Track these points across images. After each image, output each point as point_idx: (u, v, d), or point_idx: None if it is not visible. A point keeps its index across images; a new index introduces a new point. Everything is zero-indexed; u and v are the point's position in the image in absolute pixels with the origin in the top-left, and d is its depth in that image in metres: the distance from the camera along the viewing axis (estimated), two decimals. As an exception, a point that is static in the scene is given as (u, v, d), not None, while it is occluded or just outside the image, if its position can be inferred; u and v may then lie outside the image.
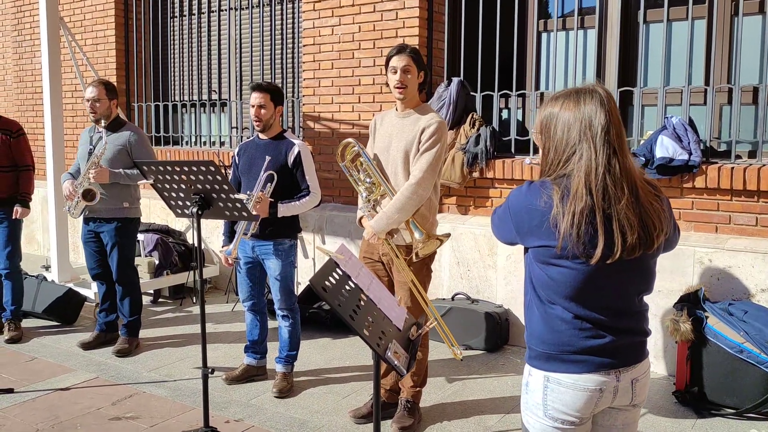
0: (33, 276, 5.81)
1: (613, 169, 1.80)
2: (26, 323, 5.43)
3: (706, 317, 3.88)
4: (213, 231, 6.66)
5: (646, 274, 1.92)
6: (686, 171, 4.32)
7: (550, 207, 1.80)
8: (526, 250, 1.97)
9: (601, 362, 1.88)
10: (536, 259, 1.89)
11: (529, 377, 1.97)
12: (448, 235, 3.54)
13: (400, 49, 3.52)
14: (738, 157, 4.44)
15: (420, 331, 2.27)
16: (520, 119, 5.33)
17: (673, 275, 4.28)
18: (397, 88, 3.52)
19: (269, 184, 3.96)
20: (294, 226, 4.18)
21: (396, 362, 2.02)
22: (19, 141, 5.15)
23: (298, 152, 4.06)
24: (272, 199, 3.96)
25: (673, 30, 4.73)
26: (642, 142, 4.57)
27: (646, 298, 1.98)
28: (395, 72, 3.51)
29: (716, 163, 4.37)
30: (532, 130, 2.01)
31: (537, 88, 5.26)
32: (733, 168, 4.23)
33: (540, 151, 1.96)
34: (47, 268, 6.52)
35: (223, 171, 3.25)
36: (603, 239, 1.77)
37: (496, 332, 4.86)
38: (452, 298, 5.11)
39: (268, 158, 3.97)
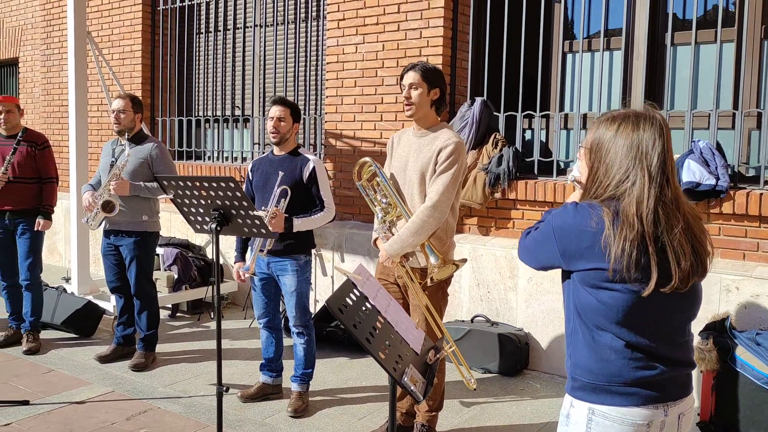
0: (53, 288, 5.84)
1: (665, 198, 1.76)
2: (45, 335, 5.45)
3: (733, 347, 3.77)
4: (232, 246, 6.62)
5: (697, 298, 1.87)
6: (713, 196, 4.24)
7: (602, 228, 1.75)
8: (565, 276, 1.90)
9: (650, 395, 1.80)
10: (584, 283, 1.82)
11: (570, 409, 1.89)
12: (464, 261, 3.48)
13: (411, 67, 3.52)
14: (767, 182, 4.34)
15: (438, 356, 2.22)
16: (544, 140, 5.28)
17: (699, 302, 4.17)
18: (404, 104, 3.51)
19: (283, 199, 3.95)
20: (309, 242, 4.16)
21: (412, 387, 1.97)
22: (44, 153, 5.20)
23: (313, 168, 4.05)
24: (287, 215, 3.94)
25: (701, 53, 4.66)
26: (668, 165, 4.49)
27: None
28: (404, 89, 3.51)
29: (744, 188, 4.27)
30: (581, 144, 1.94)
31: (561, 109, 5.21)
32: (762, 194, 4.13)
33: (585, 169, 1.90)
34: (67, 279, 6.56)
35: (242, 187, 3.24)
36: (657, 269, 1.72)
37: (516, 356, 4.77)
38: (471, 321, 5.03)
39: (281, 173, 3.96)
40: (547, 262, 1.91)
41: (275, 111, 4.09)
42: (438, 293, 3.56)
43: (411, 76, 3.48)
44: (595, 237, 1.76)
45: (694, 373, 4.01)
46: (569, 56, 5.26)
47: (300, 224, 3.98)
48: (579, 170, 1.95)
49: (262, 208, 3.96)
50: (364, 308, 2.10)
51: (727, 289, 4.14)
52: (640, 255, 1.72)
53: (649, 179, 1.75)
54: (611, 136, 1.82)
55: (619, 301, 1.77)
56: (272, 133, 4.09)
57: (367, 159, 3.63)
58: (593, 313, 1.81)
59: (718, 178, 4.20)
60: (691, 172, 4.24)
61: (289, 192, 3.95)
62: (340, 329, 5.34)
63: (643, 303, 1.77)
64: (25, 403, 4.17)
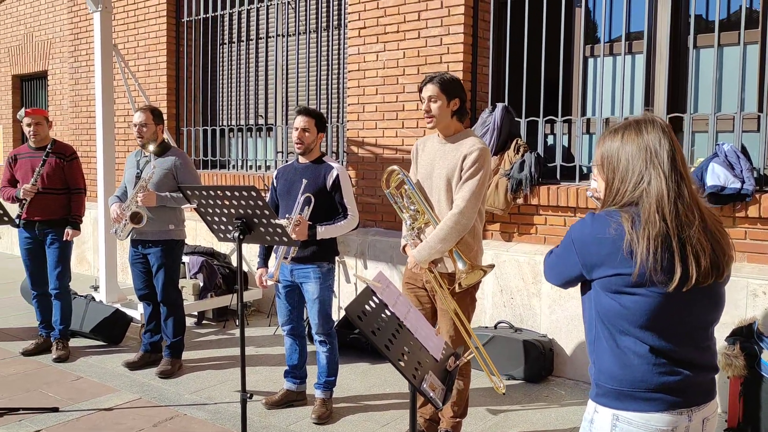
0: (82, 296, 5.94)
1: (683, 194, 1.78)
2: (74, 342, 5.54)
3: (760, 352, 3.72)
4: (257, 253, 6.70)
5: (720, 301, 1.88)
6: (739, 200, 4.18)
7: (622, 234, 1.76)
8: (585, 288, 1.91)
9: (674, 401, 1.80)
10: (606, 289, 1.83)
11: (594, 414, 1.90)
12: (492, 266, 3.49)
13: (428, 79, 3.54)
14: (794, 185, 4.28)
15: (458, 362, 2.23)
16: (566, 145, 5.26)
17: (725, 307, 4.11)
18: (425, 117, 3.55)
19: (307, 206, 3.98)
20: (332, 249, 4.18)
21: (431, 394, 1.98)
22: (72, 164, 5.30)
23: (337, 175, 4.08)
24: (310, 222, 3.98)
25: (724, 55, 4.61)
26: (692, 169, 4.45)
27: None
28: (423, 102, 3.54)
29: (771, 191, 4.22)
30: (592, 163, 1.98)
31: (583, 113, 5.18)
32: (788, 197, 4.07)
33: (602, 185, 1.93)
34: (96, 288, 6.66)
35: (264, 196, 3.27)
36: (680, 265, 1.74)
37: (540, 362, 4.75)
38: (495, 327, 5.02)
39: (304, 181, 4.00)
40: (570, 274, 1.93)
41: (300, 121, 4.13)
42: (466, 298, 3.58)
43: (429, 89, 3.51)
44: (615, 243, 1.77)
45: (721, 378, 3.98)
46: (591, 60, 5.24)
47: (323, 232, 4.01)
48: (595, 187, 1.98)
49: (286, 215, 4.00)
50: (383, 315, 2.12)
51: (754, 293, 4.09)
52: (664, 253, 1.73)
53: (664, 176, 1.78)
54: (618, 146, 1.86)
55: (641, 305, 1.78)
56: (297, 143, 4.14)
57: (395, 167, 3.66)
58: (616, 317, 1.82)
59: (743, 182, 4.15)
60: (716, 176, 4.19)
61: (313, 199, 3.99)
62: (363, 336, 5.36)
63: (665, 305, 1.77)
64: (55, 410, 4.25)
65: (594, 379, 1.90)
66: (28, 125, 5.23)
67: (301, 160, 4.21)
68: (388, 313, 2.13)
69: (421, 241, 3.53)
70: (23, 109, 5.27)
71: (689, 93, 4.70)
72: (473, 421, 4.09)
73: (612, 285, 1.81)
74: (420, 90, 3.57)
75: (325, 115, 6.52)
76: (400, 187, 3.64)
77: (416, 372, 2.01)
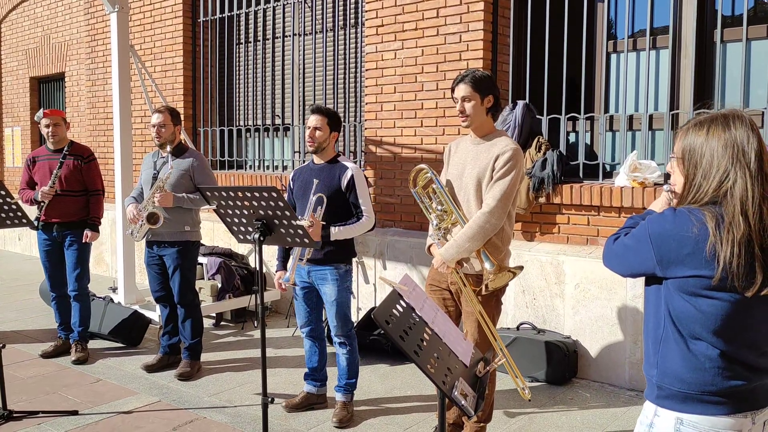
0: (100, 298, 5.92)
1: (767, 196, 1.73)
2: (92, 344, 5.52)
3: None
4: (275, 255, 6.66)
5: None
6: None
7: (705, 235, 1.71)
8: (653, 281, 1.85)
9: (740, 404, 1.78)
10: (681, 290, 1.77)
11: (655, 418, 1.86)
12: (520, 268, 3.40)
13: (460, 78, 3.47)
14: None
15: (488, 368, 2.16)
16: (589, 143, 5.16)
17: None
18: (459, 117, 3.49)
19: (320, 207, 3.93)
20: (349, 250, 4.12)
21: (463, 402, 1.91)
22: (90, 166, 5.27)
23: (352, 176, 4.02)
24: (324, 222, 3.92)
25: (752, 49, 4.50)
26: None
27: None
28: (456, 102, 3.47)
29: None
30: (671, 155, 1.91)
31: (606, 110, 5.09)
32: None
33: (680, 178, 1.86)
34: (114, 289, 6.65)
35: (284, 196, 3.22)
36: (762, 270, 1.70)
37: (564, 364, 4.66)
38: (517, 328, 4.94)
39: (315, 181, 3.95)
40: (640, 268, 1.86)
41: (312, 120, 4.10)
42: (492, 301, 3.50)
43: (462, 89, 3.44)
44: (697, 243, 1.72)
45: None
46: (613, 56, 5.14)
47: (337, 233, 3.95)
48: (673, 181, 1.92)
49: (300, 217, 3.94)
50: (411, 320, 2.05)
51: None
52: (747, 257, 1.69)
53: (750, 177, 1.72)
54: (703, 140, 1.79)
55: (717, 309, 1.74)
56: (308, 141, 4.10)
57: (423, 166, 3.59)
58: (690, 321, 1.78)
59: (773, 179, 4.04)
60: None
61: (325, 200, 3.93)
62: (383, 337, 5.30)
63: (740, 310, 1.74)
64: (74, 413, 4.22)
65: (656, 380, 1.85)
66: (47, 126, 5.21)
67: (317, 160, 4.16)
68: (416, 318, 2.06)
69: (448, 241, 3.46)
70: (41, 110, 5.25)
71: (716, 89, 4.59)
72: (496, 425, 4.01)
73: (689, 286, 1.76)
74: (452, 90, 3.50)
75: (343, 115, 6.46)
76: (428, 186, 3.57)
77: (446, 378, 1.94)
